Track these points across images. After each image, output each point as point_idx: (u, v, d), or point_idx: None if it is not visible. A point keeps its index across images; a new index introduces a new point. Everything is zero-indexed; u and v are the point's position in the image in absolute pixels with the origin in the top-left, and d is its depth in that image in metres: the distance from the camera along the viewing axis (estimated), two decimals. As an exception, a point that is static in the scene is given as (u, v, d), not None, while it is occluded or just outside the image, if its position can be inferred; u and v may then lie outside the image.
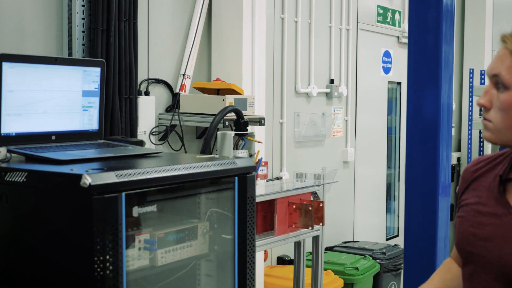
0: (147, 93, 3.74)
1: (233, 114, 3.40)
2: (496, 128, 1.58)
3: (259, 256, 4.09)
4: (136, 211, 2.22)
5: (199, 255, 2.57)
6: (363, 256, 4.95)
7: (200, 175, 2.39)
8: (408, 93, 3.25)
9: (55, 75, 2.60)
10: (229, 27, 4.10)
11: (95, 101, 2.77)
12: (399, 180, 6.76)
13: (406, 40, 5.75)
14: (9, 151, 2.33)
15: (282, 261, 4.92)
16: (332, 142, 5.61)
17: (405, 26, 6.38)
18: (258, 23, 4.15)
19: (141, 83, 3.72)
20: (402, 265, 4.75)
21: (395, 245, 5.45)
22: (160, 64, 3.89)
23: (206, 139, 3.25)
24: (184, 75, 3.93)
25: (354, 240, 5.74)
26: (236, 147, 3.38)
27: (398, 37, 6.56)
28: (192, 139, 4.06)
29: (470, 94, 7.11)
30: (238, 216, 2.54)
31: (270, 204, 3.51)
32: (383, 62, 6.39)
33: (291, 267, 4.26)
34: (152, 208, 2.32)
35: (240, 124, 3.39)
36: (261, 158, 3.56)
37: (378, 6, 6.17)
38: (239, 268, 2.55)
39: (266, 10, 4.36)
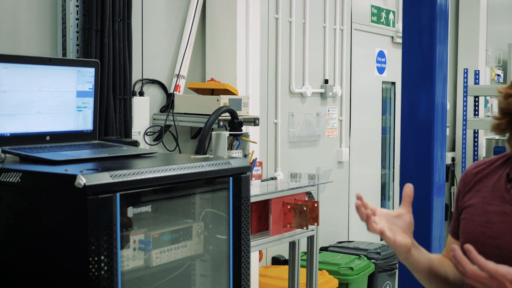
0: (141, 94, 3.74)
1: (227, 114, 3.40)
2: None
3: (253, 256, 4.09)
4: (130, 211, 2.22)
5: (194, 255, 2.57)
6: (357, 256, 4.96)
7: (194, 176, 2.39)
8: (402, 93, 3.26)
9: (49, 76, 2.59)
10: (223, 27, 4.10)
11: (90, 101, 2.76)
12: (393, 180, 6.77)
13: (400, 40, 5.77)
14: (3, 151, 2.33)
15: (277, 261, 4.92)
16: (327, 142, 5.62)
17: (399, 26, 6.40)
18: (252, 23, 4.15)
19: (135, 83, 3.71)
20: (397, 265, 4.75)
21: (390, 244, 5.45)
22: (154, 64, 3.89)
23: (201, 139, 3.25)
24: (178, 75, 3.93)
25: (349, 240, 5.75)
26: (230, 147, 3.38)
27: (392, 37, 6.57)
28: (187, 139, 4.06)
29: (465, 94, 7.12)
30: (232, 216, 2.54)
31: (264, 204, 3.51)
32: (377, 62, 6.40)
33: (286, 267, 4.27)
34: (147, 208, 2.32)
35: (235, 124, 3.39)
36: (256, 158, 3.56)
37: (372, 6, 6.18)
38: (234, 268, 2.55)
39: (260, 10, 4.36)
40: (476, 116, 7.37)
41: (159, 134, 3.82)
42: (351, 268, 4.73)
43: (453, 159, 7.78)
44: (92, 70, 2.76)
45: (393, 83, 6.69)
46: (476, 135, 7.48)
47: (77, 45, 3.29)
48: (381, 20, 6.34)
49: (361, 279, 4.78)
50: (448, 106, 7.51)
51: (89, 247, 1.96)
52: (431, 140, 3.17)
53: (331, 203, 5.56)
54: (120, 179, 2.06)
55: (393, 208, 6.72)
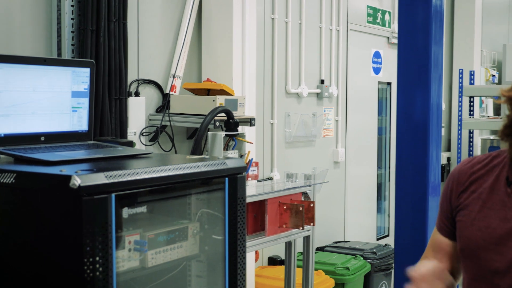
0: (137, 94, 3.73)
1: (223, 114, 3.39)
2: None
3: (250, 256, 4.08)
4: (126, 212, 2.22)
5: (189, 256, 2.57)
6: (354, 256, 4.96)
7: (190, 176, 2.38)
8: (398, 93, 3.26)
9: (44, 76, 2.58)
10: (219, 28, 4.09)
11: (85, 101, 2.75)
12: (389, 180, 6.77)
13: (396, 41, 5.77)
14: (-2, 152, 2.32)
15: (273, 261, 4.92)
16: (323, 143, 5.62)
17: (395, 26, 6.40)
18: (248, 24, 4.15)
19: (131, 83, 3.71)
20: (393, 264, 4.76)
21: (386, 245, 5.46)
22: (150, 64, 3.88)
23: (197, 139, 3.25)
24: (174, 75, 3.92)
25: (345, 240, 5.75)
26: (226, 147, 3.37)
27: (388, 38, 6.57)
28: (183, 139, 4.06)
29: (460, 94, 7.13)
30: (228, 216, 2.53)
31: (261, 205, 3.51)
32: (373, 62, 6.40)
33: (282, 268, 4.26)
34: (142, 209, 2.31)
35: (231, 124, 3.39)
36: (252, 159, 3.56)
37: (368, 6, 6.18)
38: (229, 268, 2.55)
39: (257, 10, 4.36)
40: (471, 116, 7.39)
41: (155, 134, 3.81)
42: (347, 268, 4.73)
43: (448, 159, 7.79)
44: (87, 70, 2.75)
45: (389, 84, 6.69)
46: (471, 135, 7.49)
47: (72, 45, 3.28)
48: (377, 21, 6.34)
49: (357, 279, 4.78)
50: (444, 106, 7.52)
51: (84, 248, 1.95)
52: (426, 140, 3.17)
53: (327, 203, 5.56)
54: (115, 180, 2.05)
55: (388, 208, 6.73)
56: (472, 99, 7.35)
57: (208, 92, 3.83)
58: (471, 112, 7.40)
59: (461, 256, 1.68)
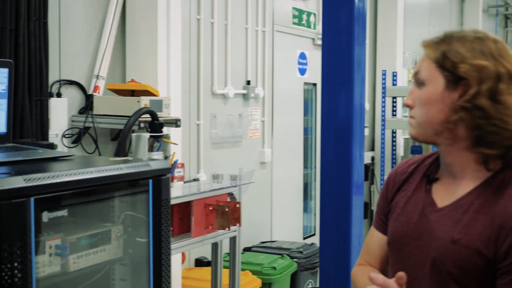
0: (59, 95, 3.65)
1: (148, 115, 3.36)
2: (417, 123, 1.65)
3: (176, 258, 4.06)
4: (46, 216, 2.16)
5: (113, 259, 2.52)
6: (280, 256, 5.00)
7: (112, 178, 2.34)
8: (322, 94, 3.31)
9: (-41, 76, 2.49)
10: (144, 28, 4.05)
11: (3, 103, 2.67)
12: (316, 180, 6.86)
13: (321, 42, 5.86)
14: None
15: (200, 263, 4.90)
16: (249, 143, 5.64)
17: (320, 28, 6.49)
18: (173, 24, 4.12)
19: (52, 84, 3.62)
20: (318, 263, 4.82)
21: (312, 243, 5.53)
22: (73, 64, 3.80)
23: (120, 141, 3.20)
24: (97, 76, 3.85)
25: (272, 240, 5.79)
26: (151, 149, 3.34)
27: (313, 39, 6.66)
28: (107, 141, 3.99)
29: (383, 95, 7.31)
30: (153, 219, 2.51)
31: (186, 206, 3.49)
32: (299, 63, 6.48)
33: (209, 269, 4.26)
34: (64, 212, 2.26)
35: (155, 125, 3.35)
36: (177, 160, 3.54)
37: (293, 8, 6.25)
38: (154, 271, 2.52)
39: (182, 11, 4.33)
40: (394, 117, 7.58)
41: (78, 136, 3.73)
42: (274, 268, 4.77)
43: (372, 158, 7.96)
44: (6, 71, 2.66)
45: (314, 85, 6.78)
46: (394, 134, 7.68)
47: (-10, 44, 3.18)
48: (302, 22, 6.42)
49: (283, 278, 4.82)
50: (368, 106, 7.68)
51: (2, 254, 1.89)
52: (350, 140, 3.23)
53: (254, 203, 5.59)
54: (34, 183, 2.00)
55: (314, 207, 6.82)
56: (395, 99, 7.54)
57: (133, 93, 3.78)
58: (394, 112, 7.59)
59: (389, 250, 1.76)
